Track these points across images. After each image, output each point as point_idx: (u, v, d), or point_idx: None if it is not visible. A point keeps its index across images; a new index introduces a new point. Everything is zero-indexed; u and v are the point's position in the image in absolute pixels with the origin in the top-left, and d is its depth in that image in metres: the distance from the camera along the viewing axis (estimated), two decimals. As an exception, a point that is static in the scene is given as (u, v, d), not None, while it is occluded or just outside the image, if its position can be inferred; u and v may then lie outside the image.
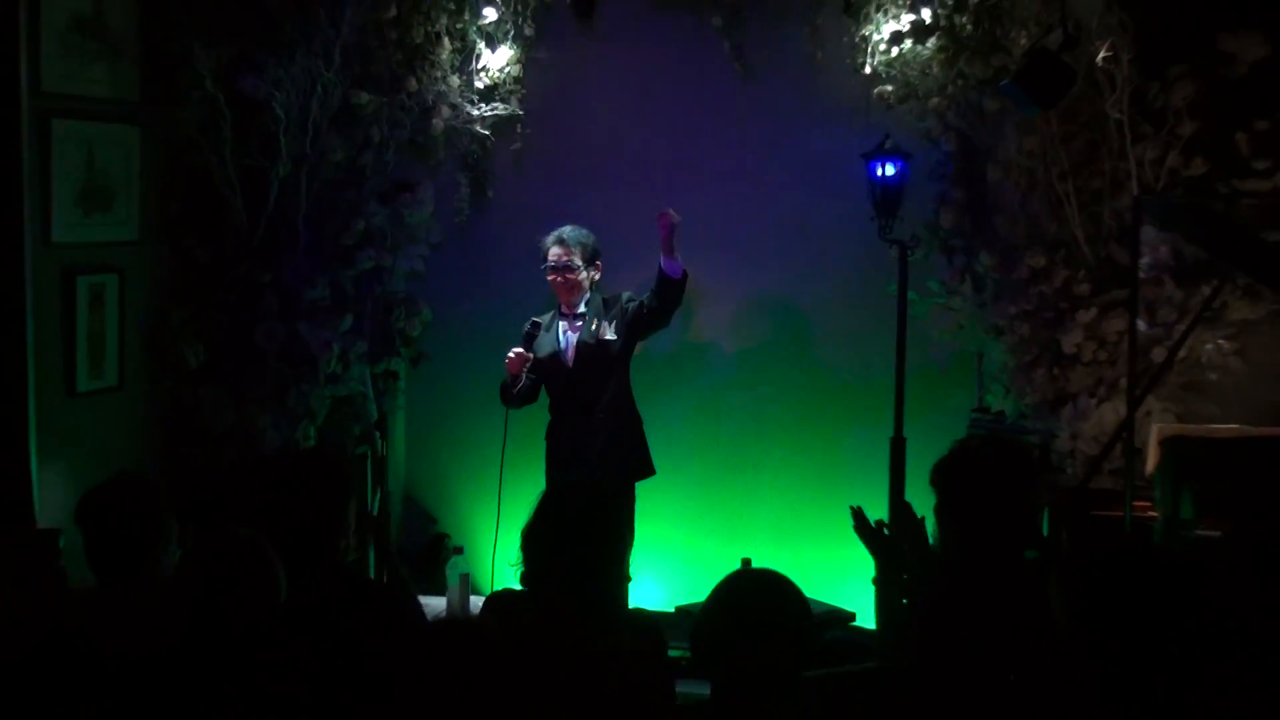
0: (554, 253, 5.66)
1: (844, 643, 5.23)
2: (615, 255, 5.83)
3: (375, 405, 6.47)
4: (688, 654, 4.32)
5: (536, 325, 5.77)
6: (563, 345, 5.70)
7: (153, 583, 3.76)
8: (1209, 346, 5.46)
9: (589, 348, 5.65)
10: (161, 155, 6.16)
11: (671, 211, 5.44)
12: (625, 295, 5.69)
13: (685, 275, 5.53)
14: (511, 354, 5.62)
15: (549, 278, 5.68)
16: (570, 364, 5.68)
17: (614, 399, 5.67)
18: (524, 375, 5.65)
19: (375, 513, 6.39)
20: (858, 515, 4.56)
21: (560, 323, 5.72)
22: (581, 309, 5.68)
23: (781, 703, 2.93)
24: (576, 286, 5.66)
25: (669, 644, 3.80)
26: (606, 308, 5.67)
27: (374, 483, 6.44)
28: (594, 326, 5.64)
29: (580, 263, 5.63)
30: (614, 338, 5.64)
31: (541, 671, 3.04)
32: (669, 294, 5.55)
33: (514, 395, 5.68)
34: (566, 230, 5.67)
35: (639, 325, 5.65)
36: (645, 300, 5.59)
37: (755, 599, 3.03)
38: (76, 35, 5.69)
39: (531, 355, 5.66)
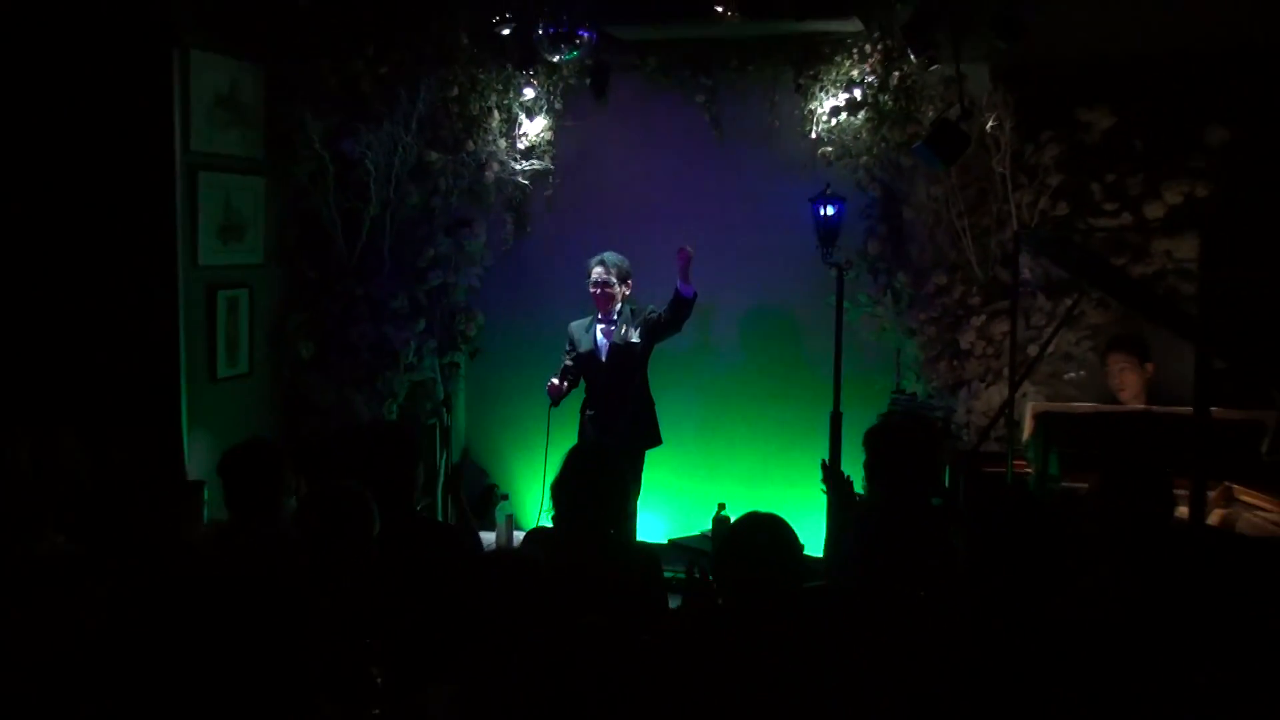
0: (597, 272, 5.67)
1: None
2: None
3: (442, 388, 6.47)
4: (679, 575, 4.39)
5: (572, 337, 5.77)
6: (599, 345, 5.71)
7: (275, 521, 3.80)
8: (1070, 344, 5.50)
9: (618, 348, 5.66)
10: (281, 199, 6.20)
11: (689, 247, 5.46)
12: (649, 307, 5.69)
13: (695, 295, 5.55)
14: (551, 384, 5.66)
15: (592, 291, 5.69)
16: (604, 360, 5.70)
17: (635, 387, 5.69)
18: (560, 397, 5.67)
19: (450, 473, 6.41)
20: (825, 467, 4.67)
21: (597, 326, 5.72)
22: (614, 317, 5.69)
23: (780, 611, 2.97)
24: (612, 299, 5.67)
25: (664, 568, 3.86)
26: (633, 316, 5.69)
27: (440, 446, 6.43)
28: (623, 331, 5.66)
29: (616, 281, 5.65)
30: (637, 340, 5.66)
31: (568, 587, 3.05)
32: (682, 309, 5.57)
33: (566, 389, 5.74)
34: (608, 255, 5.68)
35: (658, 331, 5.66)
36: (663, 313, 5.61)
37: (764, 534, 3.05)
38: (217, 108, 5.72)
39: (565, 385, 5.68)
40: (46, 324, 5.48)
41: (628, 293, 5.72)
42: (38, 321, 5.48)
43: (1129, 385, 5.24)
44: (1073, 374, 5.49)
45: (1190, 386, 3.60)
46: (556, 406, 5.68)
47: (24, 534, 3.52)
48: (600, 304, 5.69)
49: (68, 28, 5.27)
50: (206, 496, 5.12)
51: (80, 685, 2.72)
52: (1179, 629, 2.88)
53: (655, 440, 5.76)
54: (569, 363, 5.77)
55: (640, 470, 5.65)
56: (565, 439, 5.19)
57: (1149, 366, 5.24)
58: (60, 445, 4.28)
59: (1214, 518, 4.20)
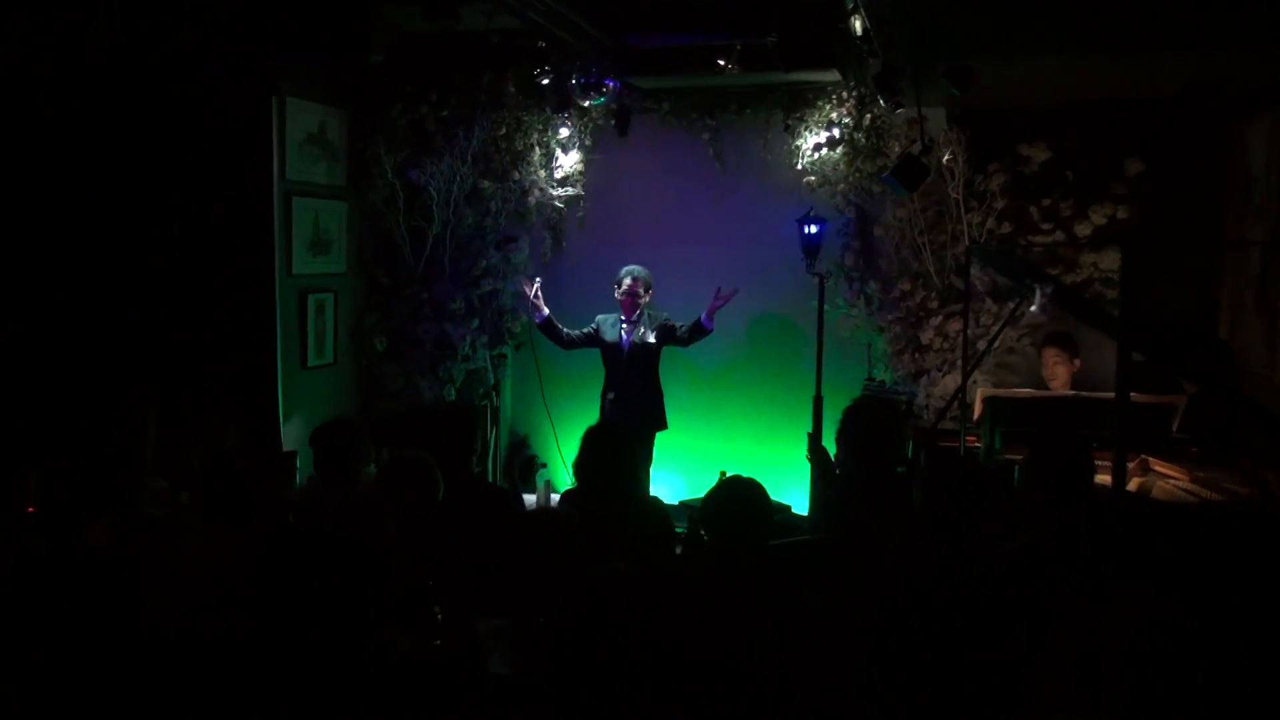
0: (627, 282, 5.65)
1: (784, 524, 5.25)
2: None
3: (492, 375, 6.46)
4: (684, 530, 4.38)
5: (599, 328, 5.75)
6: (622, 342, 5.69)
7: (355, 484, 3.82)
8: (1012, 340, 5.49)
9: (637, 346, 5.66)
10: (360, 219, 6.22)
11: (729, 290, 5.44)
12: (665, 314, 5.69)
13: (712, 330, 5.55)
14: (536, 305, 5.65)
15: (620, 298, 5.67)
16: (624, 355, 5.69)
17: (648, 379, 5.69)
18: (540, 304, 5.65)
19: (493, 447, 6.44)
20: (811, 439, 4.66)
21: (621, 326, 5.71)
22: (635, 319, 5.68)
23: (753, 557, 2.97)
24: (637, 305, 5.66)
25: (675, 524, 3.86)
26: (651, 320, 5.67)
27: (490, 423, 6.44)
28: (641, 332, 5.65)
29: (642, 290, 5.65)
30: (653, 340, 5.66)
31: (596, 539, 3.05)
32: (697, 337, 5.59)
33: (549, 331, 5.73)
34: (636, 269, 5.67)
35: (669, 339, 5.65)
36: (679, 331, 5.60)
37: (739, 493, 3.06)
38: (308, 144, 5.75)
39: (538, 288, 5.66)
40: (171, 323, 5.51)
41: (648, 299, 5.70)
42: (164, 321, 5.52)
43: (1059, 376, 5.22)
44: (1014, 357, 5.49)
45: (1112, 376, 3.59)
46: (539, 316, 5.69)
47: (151, 493, 3.56)
48: (626, 308, 5.67)
49: (190, 80, 5.30)
50: (299, 464, 5.15)
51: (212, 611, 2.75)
52: (1097, 573, 2.88)
53: (662, 424, 5.74)
54: (573, 332, 5.77)
55: (650, 447, 5.65)
56: (588, 419, 5.19)
57: (1077, 361, 5.23)
58: (182, 421, 4.33)
59: (1132, 485, 4.19)
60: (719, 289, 5.46)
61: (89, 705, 2.18)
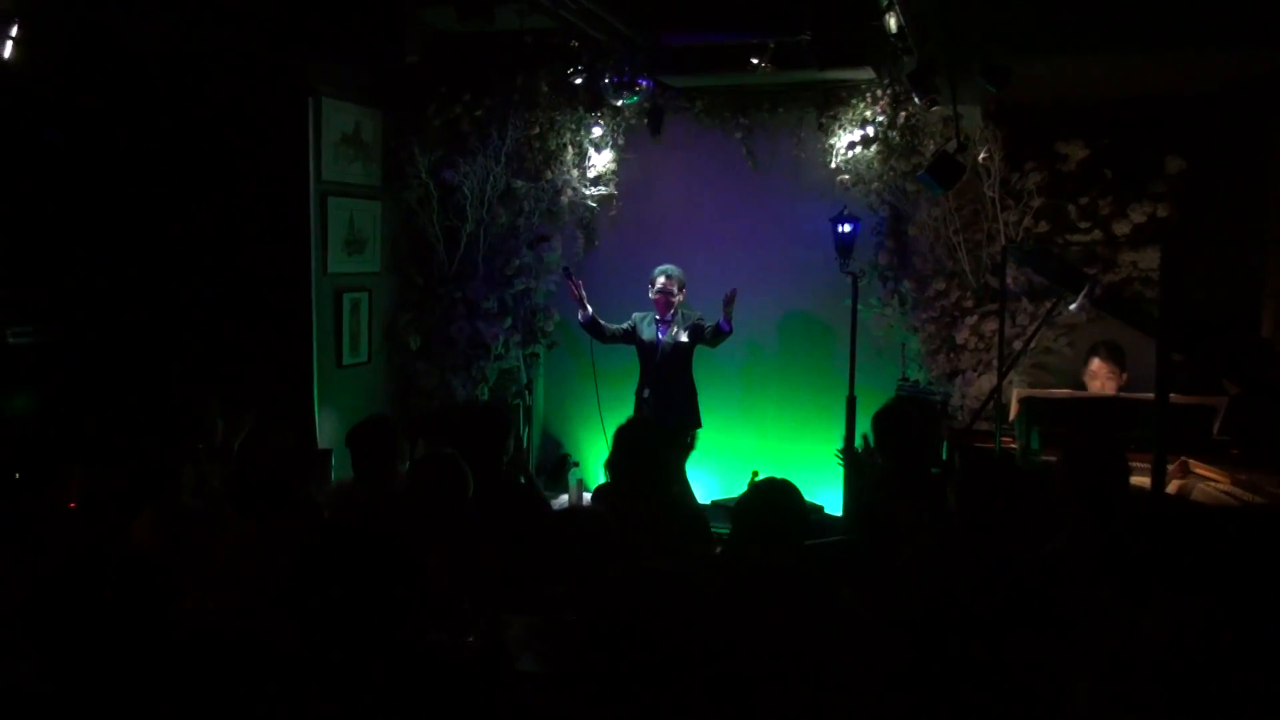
0: (660, 281, 5.65)
1: (818, 524, 5.23)
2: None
3: (525, 374, 6.49)
4: (722, 529, 4.36)
5: (635, 325, 5.75)
6: (657, 340, 5.69)
7: (390, 481, 3.84)
8: (1049, 340, 5.43)
9: (671, 345, 5.66)
10: (394, 219, 6.26)
11: (730, 291, 5.46)
12: (698, 314, 5.68)
13: (731, 331, 5.54)
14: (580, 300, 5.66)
15: (654, 297, 5.67)
16: (659, 354, 5.68)
17: (682, 377, 5.69)
18: (583, 299, 5.66)
19: (525, 446, 6.45)
20: (845, 448, 4.62)
21: (656, 325, 5.71)
22: (669, 317, 5.67)
23: (789, 557, 2.96)
24: (671, 304, 5.65)
25: (712, 523, 3.84)
26: (684, 319, 5.66)
27: (523, 422, 6.47)
28: (674, 331, 5.65)
29: (675, 289, 5.64)
30: (685, 340, 5.65)
31: (629, 537, 3.05)
32: (720, 339, 5.59)
33: (592, 328, 5.74)
34: (670, 268, 5.67)
35: (699, 338, 5.64)
36: (707, 334, 5.59)
37: (774, 495, 3.05)
38: (343, 145, 5.79)
39: (582, 286, 5.68)
40: (208, 320, 5.59)
41: (682, 298, 5.69)
42: (201, 318, 5.60)
43: (1106, 388, 5.10)
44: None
45: (1152, 376, 3.55)
46: (584, 316, 5.69)
47: (189, 490, 3.60)
48: (660, 307, 5.67)
49: (229, 82, 5.38)
50: (334, 461, 5.19)
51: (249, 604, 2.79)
52: (1134, 577, 2.84)
53: (696, 423, 5.74)
54: (611, 326, 5.77)
55: (686, 445, 5.65)
56: (622, 416, 5.20)
57: (1124, 375, 5.11)
58: (219, 417, 4.37)
59: (1172, 487, 4.13)
60: (726, 295, 5.46)
61: (128, 699, 2.21)
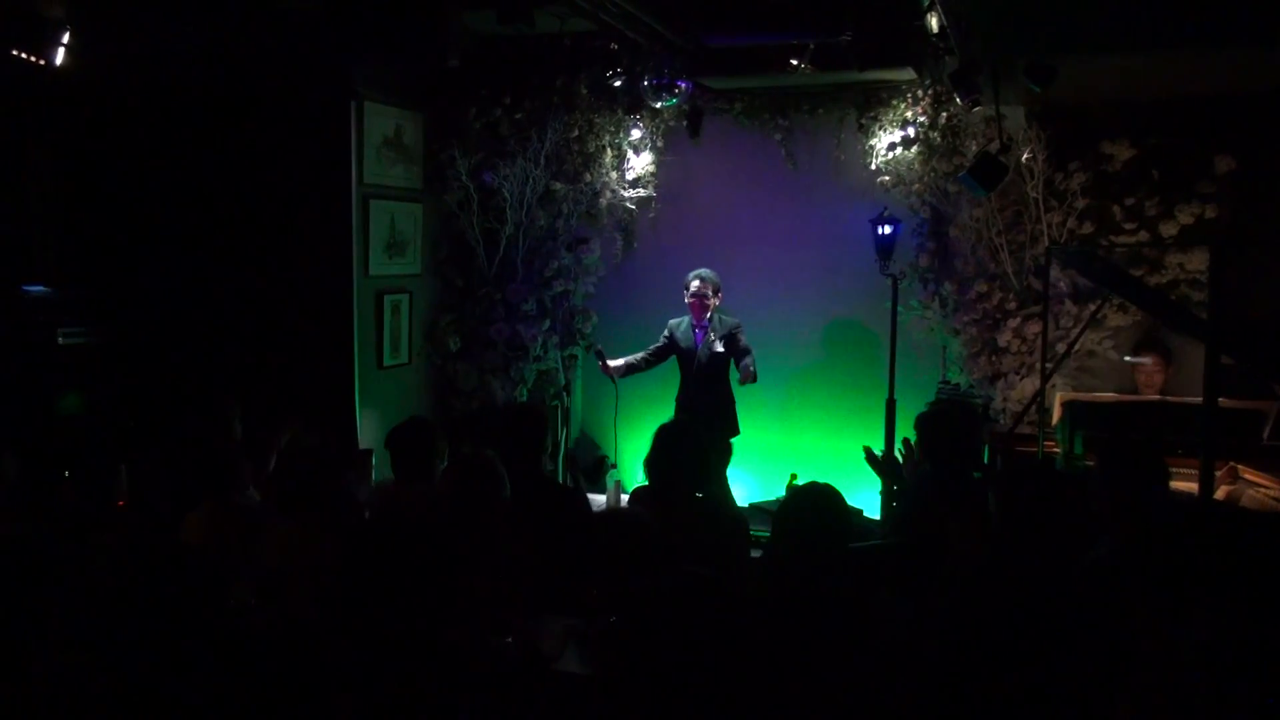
0: (695, 285, 5.61)
1: (858, 528, 5.19)
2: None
3: (563, 375, 6.51)
4: (761, 533, 4.34)
5: (672, 334, 5.73)
6: (697, 346, 5.65)
7: (430, 481, 3.86)
8: (1094, 343, 5.37)
9: (708, 354, 5.62)
10: (435, 222, 6.31)
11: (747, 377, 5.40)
12: (735, 322, 5.61)
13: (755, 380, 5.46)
14: (605, 365, 5.69)
15: (689, 301, 5.63)
16: (697, 362, 5.65)
17: (719, 384, 5.66)
18: (611, 370, 5.68)
19: (571, 447, 6.47)
20: (868, 452, 4.55)
21: (695, 331, 5.68)
22: (706, 323, 5.63)
23: (830, 561, 2.95)
24: (706, 309, 5.61)
25: (750, 526, 3.82)
26: (721, 326, 5.61)
27: (561, 424, 6.47)
28: (711, 338, 5.60)
29: (710, 293, 5.60)
30: (721, 350, 5.60)
31: (668, 541, 3.05)
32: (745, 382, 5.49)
33: (630, 374, 5.76)
34: (704, 272, 5.63)
35: (731, 349, 5.57)
36: (740, 350, 5.50)
37: (816, 500, 3.03)
38: (385, 148, 5.85)
39: (628, 366, 5.73)
40: (251, 322, 5.67)
41: (718, 303, 5.65)
42: (244, 319, 5.68)
43: (1155, 384, 5.10)
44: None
45: (1199, 381, 3.50)
46: (615, 376, 5.69)
47: (230, 488, 3.66)
48: (695, 312, 5.64)
49: (273, 87, 5.45)
50: (375, 461, 5.24)
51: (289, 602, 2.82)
52: (1180, 585, 2.80)
53: (734, 430, 5.70)
54: (645, 356, 5.77)
55: (726, 452, 5.63)
56: (661, 417, 5.21)
57: (1171, 369, 5.10)
58: (262, 418, 4.43)
59: (1220, 493, 4.08)
60: (741, 375, 5.42)
61: (177, 693, 2.25)
